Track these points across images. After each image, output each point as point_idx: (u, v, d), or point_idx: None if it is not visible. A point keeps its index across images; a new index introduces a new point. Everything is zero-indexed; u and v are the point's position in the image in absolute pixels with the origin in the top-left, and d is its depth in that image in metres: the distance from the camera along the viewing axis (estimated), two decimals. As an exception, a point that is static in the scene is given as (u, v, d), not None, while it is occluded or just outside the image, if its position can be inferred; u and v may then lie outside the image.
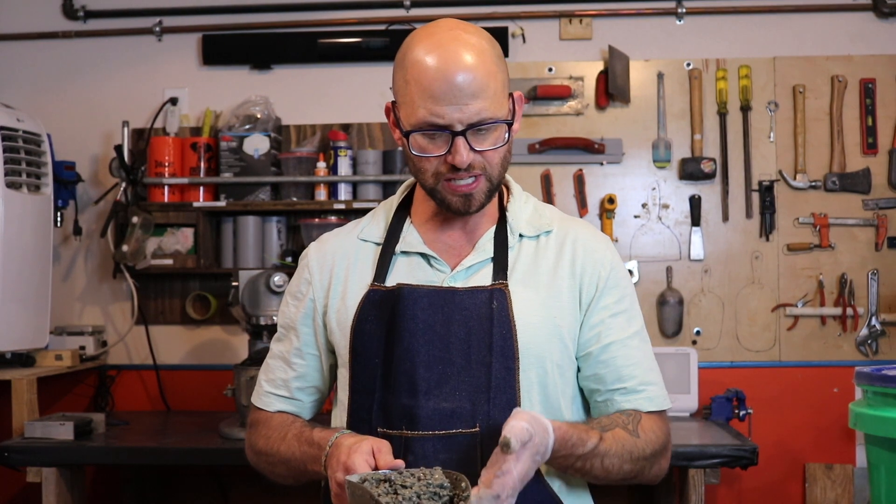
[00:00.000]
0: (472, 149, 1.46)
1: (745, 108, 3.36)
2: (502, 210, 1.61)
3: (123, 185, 3.37)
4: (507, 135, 1.50)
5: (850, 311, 3.29)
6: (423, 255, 1.57)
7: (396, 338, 1.50)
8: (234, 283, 3.02)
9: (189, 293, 3.45)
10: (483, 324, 1.49)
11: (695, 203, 3.35)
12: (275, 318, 2.86)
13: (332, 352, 1.62)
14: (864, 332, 3.30)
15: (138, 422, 3.16)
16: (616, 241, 3.34)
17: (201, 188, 3.38)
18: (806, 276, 3.33)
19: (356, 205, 3.27)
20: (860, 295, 3.31)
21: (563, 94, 3.38)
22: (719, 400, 3.12)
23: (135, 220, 3.28)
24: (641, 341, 1.59)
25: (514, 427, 1.31)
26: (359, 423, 1.52)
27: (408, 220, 1.62)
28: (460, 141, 1.45)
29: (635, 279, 3.32)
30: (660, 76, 3.40)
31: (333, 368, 1.63)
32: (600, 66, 3.40)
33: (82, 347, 3.32)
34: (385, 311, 1.52)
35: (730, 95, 3.37)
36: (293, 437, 1.57)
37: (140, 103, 3.50)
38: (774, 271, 3.35)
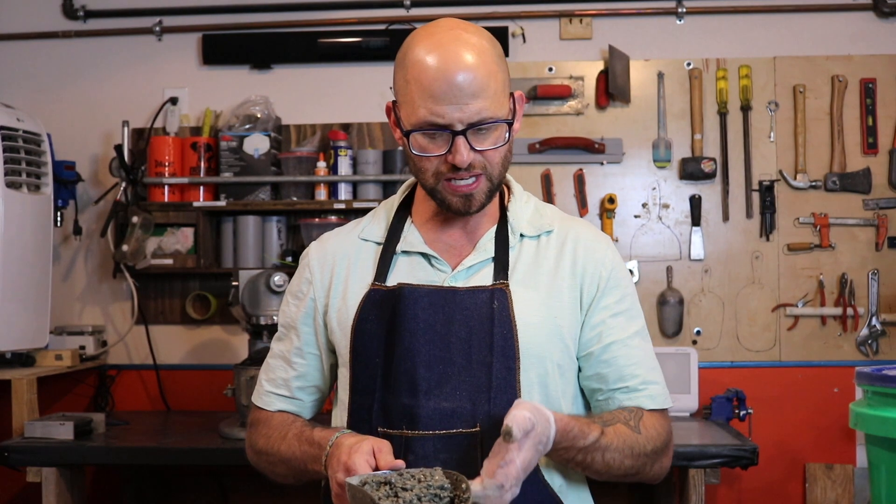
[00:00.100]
0: (472, 148, 1.46)
1: (746, 108, 3.36)
2: (503, 210, 1.61)
3: (123, 184, 3.37)
4: (507, 134, 1.49)
5: (850, 311, 3.29)
6: (423, 254, 1.57)
7: (397, 337, 1.50)
8: (234, 283, 3.02)
9: (189, 293, 3.45)
10: (484, 324, 1.49)
11: (695, 203, 3.35)
12: (275, 317, 2.86)
13: (332, 351, 1.62)
14: (864, 332, 3.30)
15: (138, 422, 3.15)
16: (616, 240, 3.34)
17: (201, 188, 3.38)
18: (806, 276, 3.33)
19: (356, 205, 3.27)
20: (860, 295, 3.31)
21: (563, 94, 3.38)
22: (719, 400, 3.12)
23: (135, 219, 3.27)
24: (643, 340, 1.59)
25: (516, 416, 1.31)
26: (359, 422, 1.52)
27: (409, 220, 1.62)
28: (461, 140, 1.45)
29: (635, 279, 3.32)
30: (660, 76, 3.39)
31: (334, 368, 1.63)
32: (600, 66, 3.40)
33: (82, 347, 3.32)
34: (386, 311, 1.52)
35: (730, 95, 3.36)
36: (293, 437, 1.56)
37: (140, 103, 3.50)
38: (775, 271, 3.34)
